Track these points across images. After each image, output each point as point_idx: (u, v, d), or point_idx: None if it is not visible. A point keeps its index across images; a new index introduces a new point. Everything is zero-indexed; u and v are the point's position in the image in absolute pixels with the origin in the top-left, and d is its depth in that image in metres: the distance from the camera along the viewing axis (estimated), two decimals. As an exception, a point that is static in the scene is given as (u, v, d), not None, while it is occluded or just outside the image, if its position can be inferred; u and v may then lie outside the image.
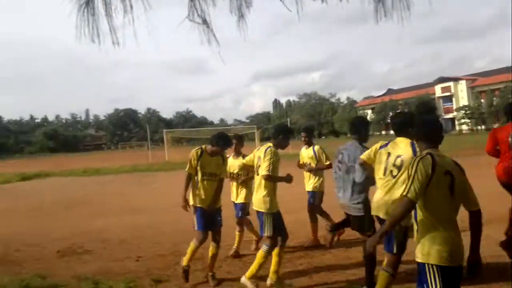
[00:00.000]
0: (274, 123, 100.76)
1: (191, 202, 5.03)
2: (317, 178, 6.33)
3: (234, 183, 6.06)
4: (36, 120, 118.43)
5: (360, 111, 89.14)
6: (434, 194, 2.61)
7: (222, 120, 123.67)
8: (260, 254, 4.64)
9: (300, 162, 6.54)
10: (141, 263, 5.83)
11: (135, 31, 3.77)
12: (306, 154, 6.46)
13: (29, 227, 8.87)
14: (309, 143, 6.48)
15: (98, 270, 5.53)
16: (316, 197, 6.33)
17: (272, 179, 4.61)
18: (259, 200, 4.67)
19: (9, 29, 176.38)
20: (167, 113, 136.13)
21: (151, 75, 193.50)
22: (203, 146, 5.09)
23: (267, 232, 4.61)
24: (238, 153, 6.06)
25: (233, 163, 6.00)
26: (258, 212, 4.71)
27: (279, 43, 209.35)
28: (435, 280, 2.62)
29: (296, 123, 77.35)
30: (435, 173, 2.58)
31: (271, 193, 4.64)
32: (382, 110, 79.20)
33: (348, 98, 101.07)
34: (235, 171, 6.00)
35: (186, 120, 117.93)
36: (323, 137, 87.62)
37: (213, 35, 4.05)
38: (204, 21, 4.04)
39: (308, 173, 6.41)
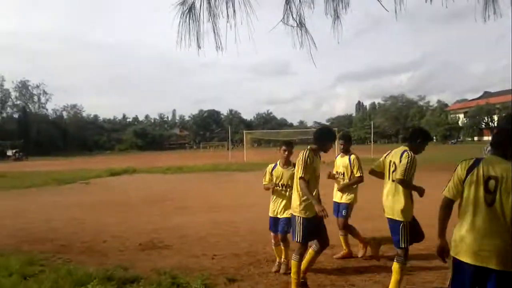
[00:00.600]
0: (356, 126, 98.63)
1: (296, 213, 4.53)
2: (353, 189, 5.95)
3: (275, 196, 5.49)
4: (128, 119, 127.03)
5: (452, 115, 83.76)
6: (466, 194, 2.83)
7: (301, 122, 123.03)
8: (396, 268, 4.34)
9: (333, 172, 6.11)
10: (216, 261, 5.87)
11: (236, 35, 3.83)
12: (341, 162, 6.03)
13: (116, 220, 9.40)
14: (346, 151, 6.09)
15: (176, 265, 5.65)
16: (349, 209, 5.94)
17: (406, 185, 4.32)
18: (393, 208, 4.40)
19: (104, 34, 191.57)
20: (248, 115, 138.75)
21: (235, 77, 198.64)
22: (309, 147, 4.61)
23: (403, 244, 4.31)
24: (288, 163, 5.50)
25: (284, 174, 5.42)
26: (391, 220, 4.44)
27: (366, 43, 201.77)
28: (452, 272, 2.94)
29: (379, 127, 74.78)
30: (471, 175, 2.80)
31: (408, 199, 4.35)
32: (476, 114, 73.88)
33: (438, 101, 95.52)
34: (284, 183, 5.41)
35: (266, 121, 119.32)
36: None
37: (308, 38, 4.00)
38: (299, 24, 4.00)
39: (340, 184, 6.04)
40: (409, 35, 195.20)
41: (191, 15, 3.96)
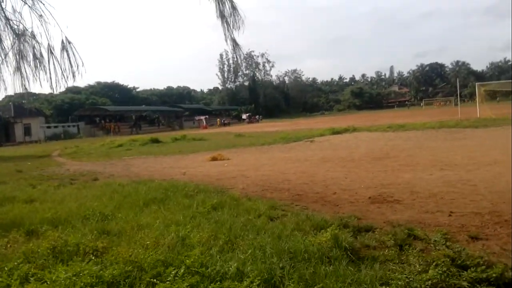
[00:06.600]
0: None
1: None
2: None
3: None
4: (344, 80, 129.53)
5: None
6: None
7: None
8: None
9: None
10: (454, 218, 5.42)
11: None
12: None
13: (343, 175, 9.70)
14: None
15: (409, 219, 5.47)
16: None
17: None
18: None
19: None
20: (478, 65, 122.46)
21: (463, 23, 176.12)
22: None
23: None
24: None
25: None
26: None
27: None
28: None
29: None
30: None
31: None
32: None
33: None
34: None
35: (502, 71, 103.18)
36: None
37: None
38: None
39: None
40: None
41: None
